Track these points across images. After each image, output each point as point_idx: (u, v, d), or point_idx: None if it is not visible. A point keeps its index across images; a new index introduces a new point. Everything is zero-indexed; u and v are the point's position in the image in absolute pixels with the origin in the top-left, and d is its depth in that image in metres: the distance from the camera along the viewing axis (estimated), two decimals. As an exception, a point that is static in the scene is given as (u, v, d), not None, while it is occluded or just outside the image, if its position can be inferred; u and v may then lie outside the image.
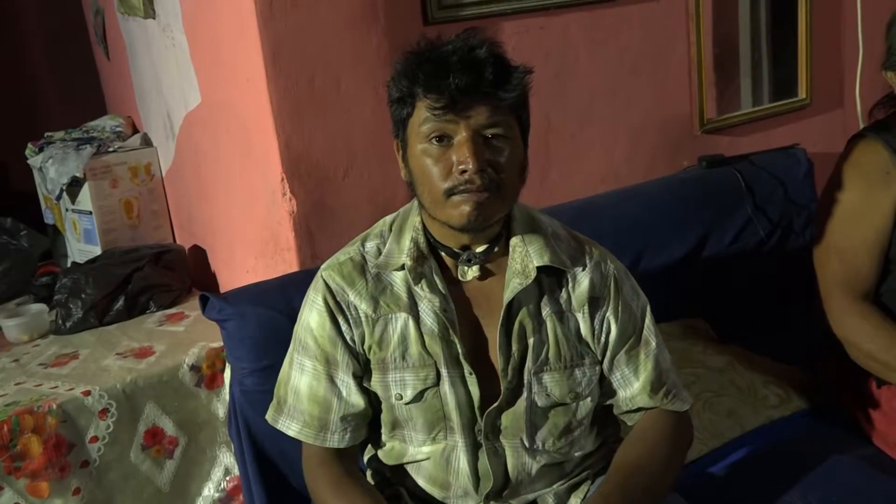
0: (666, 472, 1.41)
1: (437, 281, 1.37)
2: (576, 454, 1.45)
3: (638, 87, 2.46)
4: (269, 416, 1.44)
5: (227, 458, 1.94)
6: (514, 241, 1.39)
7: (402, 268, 1.37)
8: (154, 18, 2.29)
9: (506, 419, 1.38)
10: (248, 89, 1.90)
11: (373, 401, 1.41)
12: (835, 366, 1.89)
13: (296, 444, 1.45)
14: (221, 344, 1.83)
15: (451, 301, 1.36)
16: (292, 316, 1.47)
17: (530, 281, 1.36)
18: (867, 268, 1.80)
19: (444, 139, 1.27)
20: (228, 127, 2.08)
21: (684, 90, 2.55)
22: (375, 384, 1.39)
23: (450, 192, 1.26)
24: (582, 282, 1.41)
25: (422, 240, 1.38)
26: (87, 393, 1.79)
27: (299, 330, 1.42)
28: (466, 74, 1.22)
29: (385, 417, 1.41)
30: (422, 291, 1.36)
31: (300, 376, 1.40)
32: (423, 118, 1.27)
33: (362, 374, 1.39)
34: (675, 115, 2.55)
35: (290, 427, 1.41)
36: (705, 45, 2.54)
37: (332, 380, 1.38)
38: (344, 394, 1.38)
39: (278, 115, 1.85)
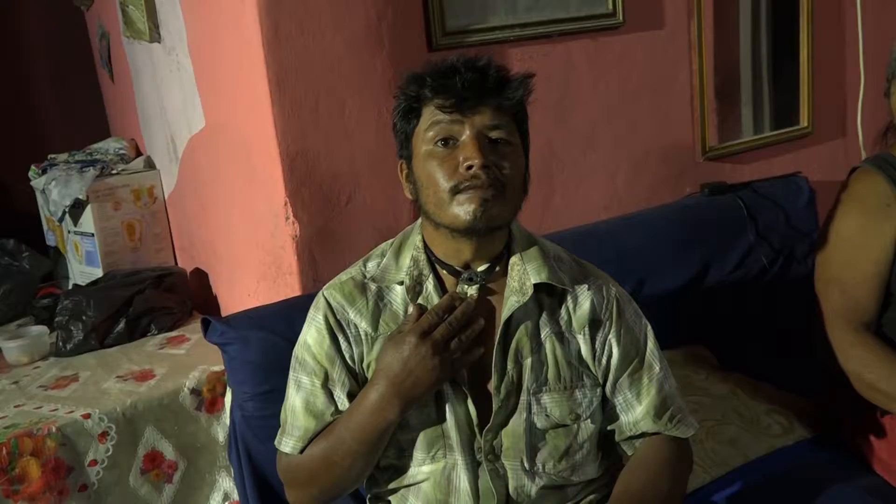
0: (668, 501, 1.40)
1: (436, 299, 1.37)
2: (577, 479, 1.44)
3: (640, 115, 2.47)
4: (276, 442, 1.44)
5: (226, 483, 1.93)
6: (513, 259, 1.40)
7: (401, 283, 1.39)
8: (159, 42, 2.30)
9: (506, 439, 1.37)
10: (252, 113, 1.91)
11: None
12: (837, 395, 1.88)
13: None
14: (222, 367, 1.83)
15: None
16: (294, 340, 1.46)
17: (527, 298, 1.37)
18: (867, 299, 1.80)
19: (449, 142, 1.31)
20: (232, 150, 2.08)
21: (686, 117, 2.56)
22: None
23: (455, 190, 1.29)
24: (583, 303, 1.42)
25: (422, 258, 1.40)
26: (87, 416, 1.78)
27: (298, 349, 1.43)
28: (472, 73, 1.29)
29: None
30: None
31: (296, 394, 1.40)
32: (429, 123, 1.32)
33: (357, 392, 1.38)
34: (677, 143, 2.56)
35: (287, 444, 1.41)
36: (707, 73, 2.55)
37: (330, 395, 1.39)
38: (340, 408, 1.38)
39: (282, 140, 1.85)
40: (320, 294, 1.42)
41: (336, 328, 1.39)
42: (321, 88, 1.88)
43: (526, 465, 1.38)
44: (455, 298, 1.34)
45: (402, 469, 1.41)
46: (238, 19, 1.85)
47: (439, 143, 1.31)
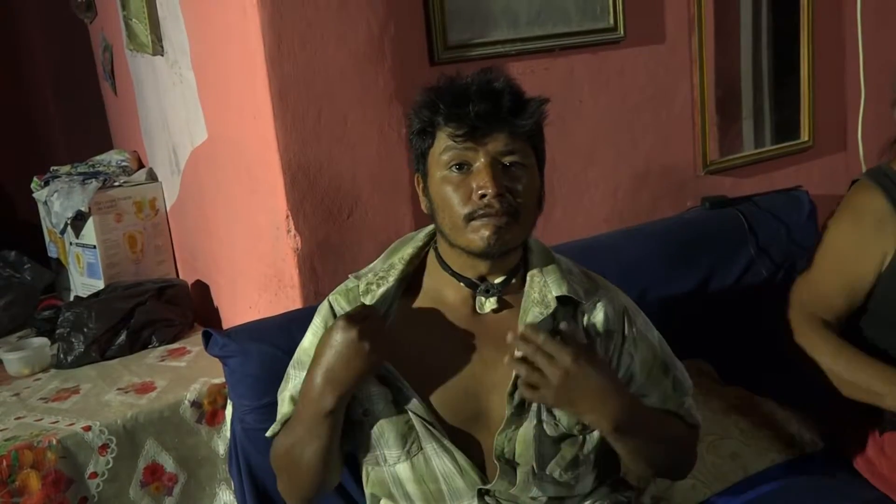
0: (672, 442, 1.48)
1: (381, 305, 1.41)
2: (578, 491, 1.45)
3: (641, 129, 2.47)
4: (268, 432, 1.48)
5: (226, 496, 1.92)
6: (532, 272, 1.42)
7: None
8: (162, 55, 2.31)
9: (519, 445, 1.38)
10: (254, 126, 1.91)
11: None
12: (836, 411, 1.89)
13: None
14: (223, 380, 1.82)
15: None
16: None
17: (550, 311, 1.38)
18: (839, 307, 1.83)
19: (463, 167, 1.32)
20: (234, 163, 2.09)
21: (687, 131, 2.57)
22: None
23: (470, 217, 1.31)
24: (596, 315, 1.44)
25: (399, 267, 1.44)
26: (88, 428, 1.78)
27: (297, 350, 1.47)
28: (485, 103, 1.28)
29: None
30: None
31: (286, 386, 1.46)
32: (443, 147, 1.33)
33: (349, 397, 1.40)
34: (678, 156, 2.57)
35: (274, 429, 1.46)
36: (708, 87, 2.56)
37: None
38: None
39: (284, 153, 1.86)
40: (326, 299, 1.46)
41: None
42: (323, 102, 1.88)
43: (535, 469, 1.38)
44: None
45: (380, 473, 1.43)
46: (241, 33, 1.86)
47: (454, 169, 1.32)
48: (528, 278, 1.43)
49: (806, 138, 2.84)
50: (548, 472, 1.39)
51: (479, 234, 1.30)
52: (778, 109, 2.81)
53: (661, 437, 1.44)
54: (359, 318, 1.31)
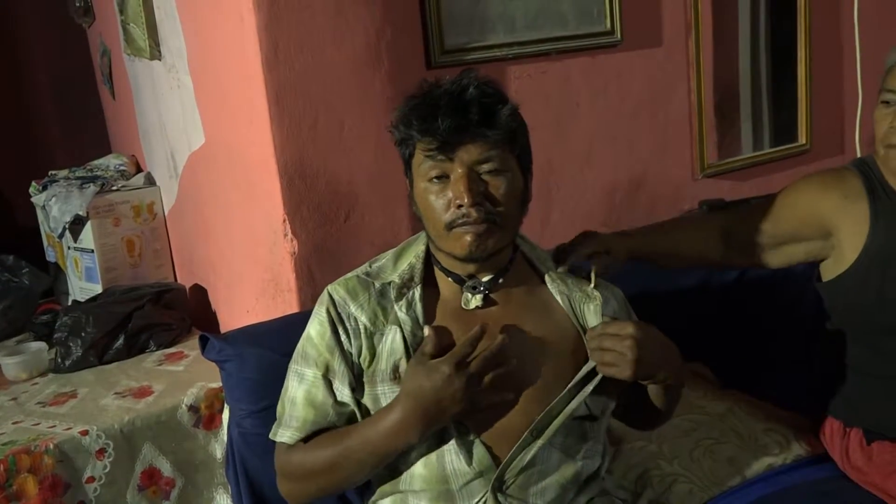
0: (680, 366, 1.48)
1: (418, 306, 1.40)
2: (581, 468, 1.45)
3: (638, 132, 2.47)
4: (271, 434, 1.46)
5: (223, 500, 1.93)
6: (553, 275, 1.48)
7: (390, 283, 1.42)
8: (160, 60, 2.31)
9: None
10: (251, 130, 1.91)
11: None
12: (829, 421, 1.89)
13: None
14: (220, 384, 1.82)
15: (424, 328, 1.38)
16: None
17: (599, 301, 1.44)
18: (744, 231, 1.84)
19: (442, 177, 1.34)
20: (231, 167, 2.09)
21: (685, 135, 2.57)
22: (367, 398, 1.41)
23: (450, 226, 1.34)
24: (609, 306, 1.49)
25: (419, 267, 1.44)
26: (85, 433, 1.78)
27: (301, 343, 1.46)
28: (452, 117, 1.30)
29: None
30: (399, 311, 1.40)
31: (298, 385, 1.43)
32: (421, 159, 1.36)
33: (356, 385, 1.41)
34: (675, 160, 2.57)
35: (284, 434, 1.43)
36: (706, 90, 2.56)
37: (330, 386, 1.41)
38: (339, 399, 1.41)
39: (281, 157, 1.86)
40: (325, 290, 1.47)
41: (337, 321, 1.42)
42: (320, 106, 1.88)
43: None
44: (484, 329, 1.34)
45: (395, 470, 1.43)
46: (238, 37, 1.86)
47: (434, 179, 1.35)
48: (548, 279, 1.47)
49: (804, 141, 2.84)
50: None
51: (461, 242, 1.34)
52: (776, 112, 2.82)
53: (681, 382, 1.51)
54: (465, 364, 1.31)
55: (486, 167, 1.33)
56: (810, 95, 2.81)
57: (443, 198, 1.34)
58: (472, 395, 1.31)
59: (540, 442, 1.36)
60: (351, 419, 1.42)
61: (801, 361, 2.07)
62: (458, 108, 1.30)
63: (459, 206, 1.32)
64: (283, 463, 1.45)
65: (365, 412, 1.41)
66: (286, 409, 1.44)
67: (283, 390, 1.46)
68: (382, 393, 1.39)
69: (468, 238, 1.33)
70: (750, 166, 2.74)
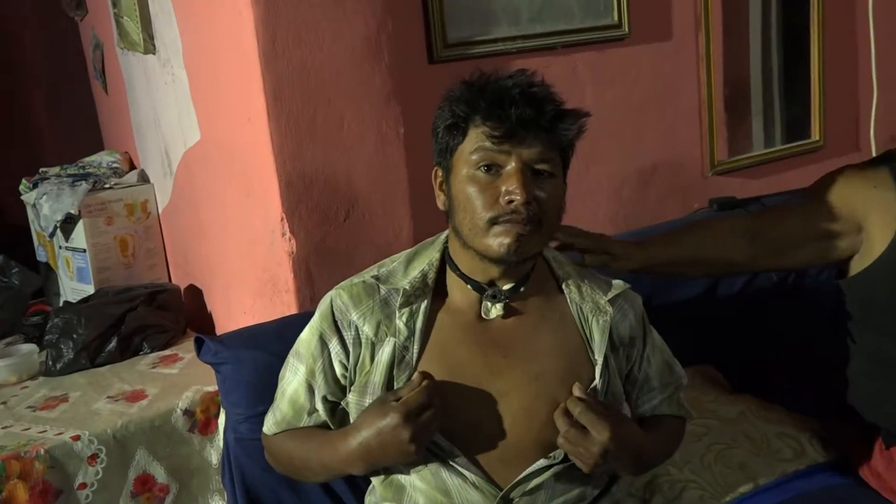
0: (669, 447, 1.54)
1: (419, 318, 1.37)
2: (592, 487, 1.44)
3: (646, 128, 2.48)
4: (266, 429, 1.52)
5: (219, 507, 1.91)
6: (569, 282, 1.44)
7: (399, 290, 1.39)
8: (154, 54, 2.29)
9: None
10: (248, 127, 1.89)
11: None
12: (845, 424, 1.87)
13: (293, 494, 1.50)
14: (216, 388, 1.80)
15: (416, 343, 1.36)
16: (290, 360, 1.47)
17: (609, 316, 1.42)
18: (773, 230, 1.80)
19: (492, 168, 1.30)
20: (228, 164, 2.07)
21: (694, 131, 2.57)
22: (352, 407, 1.40)
23: (493, 221, 1.29)
24: (623, 322, 1.46)
25: (432, 275, 1.40)
26: (77, 438, 1.77)
27: (299, 338, 1.47)
28: (529, 107, 1.27)
29: None
30: (399, 321, 1.37)
31: (293, 378, 1.45)
32: (475, 145, 1.30)
33: (339, 396, 1.42)
34: (684, 157, 2.57)
35: (267, 423, 1.49)
36: (715, 86, 2.56)
37: (310, 395, 1.43)
38: (315, 407, 1.44)
39: (279, 154, 1.83)
40: (328, 294, 1.45)
41: (331, 330, 1.40)
42: (319, 101, 1.86)
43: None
44: (425, 377, 1.34)
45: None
46: (234, 31, 1.84)
47: (482, 169, 1.30)
48: (564, 287, 1.44)
49: (817, 138, 2.84)
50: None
51: (499, 241, 1.29)
52: (788, 108, 2.82)
53: (666, 454, 1.54)
54: (415, 414, 1.29)
55: (541, 167, 1.30)
56: (823, 90, 2.80)
57: (489, 190, 1.29)
58: (419, 445, 1.30)
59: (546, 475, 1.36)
60: (326, 425, 1.45)
61: (813, 363, 2.04)
62: (533, 100, 1.27)
63: (510, 202, 1.27)
64: (264, 443, 1.53)
65: (343, 420, 1.43)
66: (277, 398, 1.48)
67: (280, 375, 1.49)
68: (370, 405, 1.38)
69: (508, 239, 1.28)
70: (761, 163, 2.73)
